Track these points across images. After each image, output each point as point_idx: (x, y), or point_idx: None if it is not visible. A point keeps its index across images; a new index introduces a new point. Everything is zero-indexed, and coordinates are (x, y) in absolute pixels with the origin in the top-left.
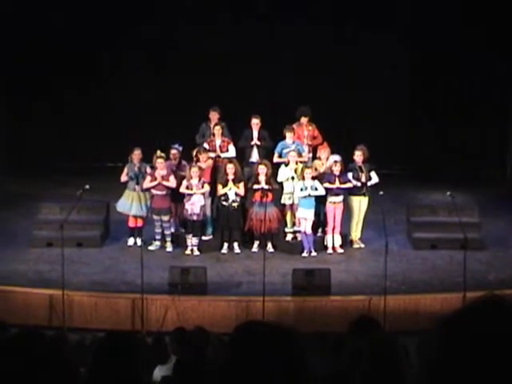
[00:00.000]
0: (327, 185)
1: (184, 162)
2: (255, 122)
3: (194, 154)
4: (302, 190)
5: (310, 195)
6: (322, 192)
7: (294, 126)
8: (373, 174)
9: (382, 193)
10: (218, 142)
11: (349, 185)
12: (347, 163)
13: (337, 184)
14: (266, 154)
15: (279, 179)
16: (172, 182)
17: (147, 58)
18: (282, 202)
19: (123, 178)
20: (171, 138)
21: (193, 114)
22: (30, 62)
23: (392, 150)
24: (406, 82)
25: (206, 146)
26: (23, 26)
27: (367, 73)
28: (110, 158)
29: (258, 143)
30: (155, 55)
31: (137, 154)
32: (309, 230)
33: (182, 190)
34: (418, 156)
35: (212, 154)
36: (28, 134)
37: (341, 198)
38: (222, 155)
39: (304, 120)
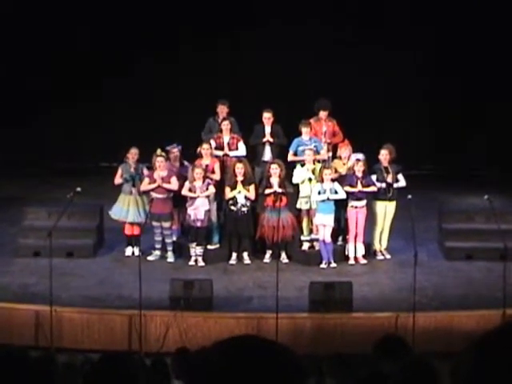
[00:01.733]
0: (348, 188)
1: (186, 163)
2: (267, 117)
3: (199, 151)
4: (319, 193)
5: (328, 199)
6: (342, 196)
7: (312, 120)
8: (400, 177)
9: (410, 197)
10: (226, 138)
11: (373, 188)
12: (371, 164)
13: (359, 187)
14: (280, 152)
15: (294, 181)
16: (174, 184)
17: (147, 52)
18: (298, 206)
19: (117, 180)
20: (173, 136)
21: (199, 108)
22: (21, 61)
23: (422, 149)
24: (438, 77)
25: (212, 142)
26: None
27: (394, 64)
28: (104, 158)
29: (271, 140)
30: (156, 50)
31: (133, 154)
32: (328, 239)
33: (184, 192)
34: (450, 155)
35: (219, 153)
36: (14, 132)
37: (364, 202)
38: (231, 154)
39: (323, 114)
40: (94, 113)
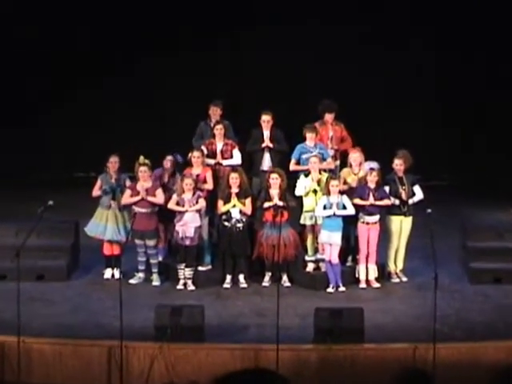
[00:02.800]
0: (358, 201)
1: (178, 175)
2: (266, 120)
3: (188, 158)
4: (325, 207)
5: (335, 214)
6: (350, 211)
7: (317, 124)
8: (416, 189)
9: (429, 211)
10: (219, 145)
11: (387, 201)
12: (385, 173)
13: (371, 200)
14: (281, 160)
15: (297, 193)
16: (159, 197)
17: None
18: (302, 222)
19: (95, 192)
20: (160, 143)
21: (189, 111)
22: None
23: (441, 157)
24: (459, 80)
25: (203, 149)
26: None
27: (408, 64)
28: (79, 167)
29: (270, 146)
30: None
31: (113, 162)
32: (335, 259)
33: (172, 206)
34: (474, 164)
35: (211, 161)
36: None
37: (376, 217)
38: (224, 162)
39: (329, 117)
40: (69, 116)
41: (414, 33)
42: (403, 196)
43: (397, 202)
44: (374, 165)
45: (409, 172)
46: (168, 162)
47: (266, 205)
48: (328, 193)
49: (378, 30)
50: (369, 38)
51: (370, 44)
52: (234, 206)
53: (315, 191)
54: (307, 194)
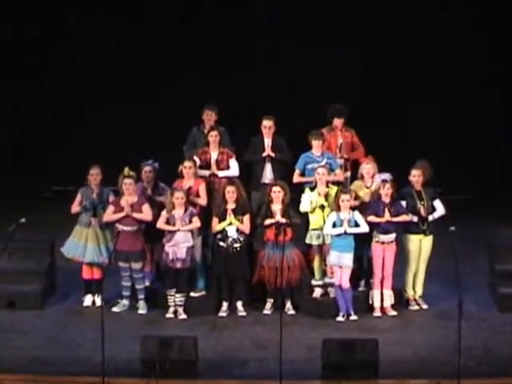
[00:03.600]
0: (372, 218)
1: (162, 185)
2: (268, 125)
3: (180, 170)
4: (335, 225)
5: (346, 233)
6: (364, 229)
7: (324, 130)
8: (437, 203)
9: (453, 228)
10: (213, 154)
11: (404, 217)
12: (401, 186)
13: (387, 216)
14: (284, 171)
15: (302, 209)
16: (146, 214)
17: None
18: (307, 241)
19: (74, 208)
20: (148, 153)
21: (180, 117)
22: None
23: (464, 168)
24: (479, 83)
25: (196, 159)
26: None
27: (425, 66)
28: (56, 180)
29: (272, 155)
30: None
31: (94, 175)
32: (346, 283)
33: (161, 226)
34: (501, 177)
35: (205, 173)
36: None
37: (392, 236)
38: (220, 174)
39: (338, 122)
40: (45, 122)
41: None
42: (422, 212)
43: (415, 218)
44: (386, 176)
45: (428, 185)
46: (147, 173)
47: (267, 222)
48: (338, 208)
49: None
50: (379, 35)
51: (381, 41)
52: (231, 223)
53: (322, 207)
54: (313, 209)
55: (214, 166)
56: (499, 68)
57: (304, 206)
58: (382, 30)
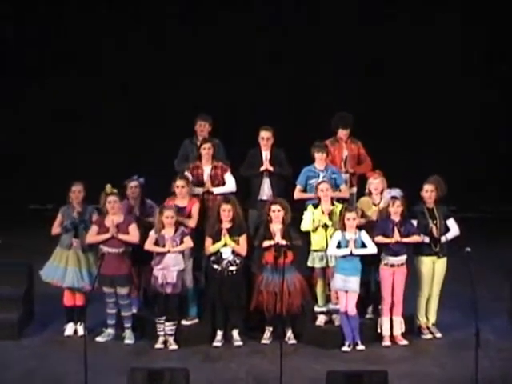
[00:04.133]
0: (381, 238)
1: (150, 202)
2: (266, 137)
3: (173, 189)
4: (340, 245)
5: (352, 254)
6: (372, 250)
7: (328, 142)
8: (451, 222)
9: (468, 249)
10: (206, 168)
11: (415, 238)
12: (412, 204)
13: (396, 237)
14: (283, 187)
15: (304, 228)
16: (133, 235)
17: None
18: (310, 264)
19: (55, 229)
20: (134, 169)
21: (171, 127)
22: None
23: (480, 184)
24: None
25: (187, 174)
26: None
27: (436, 67)
28: (34, 198)
29: (271, 169)
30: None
31: (76, 192)
32: (353, 310)
33: (149, 247)
34: None
35: (199, 190)
36: None
37: (403, 258)
38: (215, 190)
39: (343, 133)
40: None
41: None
42: (434, 232)
43: (427, 239)
44: (396, 192)
45: (441, 202)
46: (133, 188)
47: (266, 244)
48: (343, 228)
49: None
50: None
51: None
52: (226, 244)
53: (326, 226)
54: (316, 229)
55: (208, 183)
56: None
57: (305, 225)
58: (382, 31)
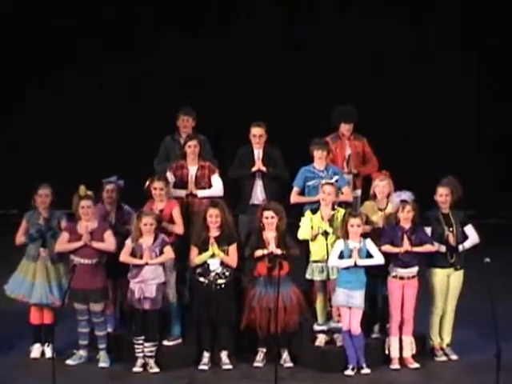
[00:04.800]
0: (388, 247)
1: (126, 207)
2: (258, 134)
3: (147, 185)
4: (342, 255)
5: (356, 265)
6: (379, 260)
7: (328, 139)
8: (469, 229)
9: (487, 260)
10: (192, 169)
11: (428, 248)
12: (424, 209)
13: (405, 246)
14: (278, 189)
15: (301, 236)
16: (109, 242)
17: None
18: (308, 276)
19: (19, 238)
20: (107, 170)
21: (149, 124)
22: None
23: (502, 185)
24: None
25: (169, 176)
26: None
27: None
28: None
29: (263, 169)
30: None
31: (43, 196)
32: (357, 329)
33: (125, 258)
34: None
35: (181, 192)
36: None
37: (414, 270)
38: (200, 193)
39: (345, 129)
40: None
41: None
42: (451, 240)
43: (443, 248)
44: (406, 196)
45: (456, 207)
46: (109, 192)
47: (259, 253)
48: (346, 235)
49: None
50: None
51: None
52: (214, 255)
53: (326, 233)
54: (315, 237)
55: (191, 184)
56: None
57: (303, 233)
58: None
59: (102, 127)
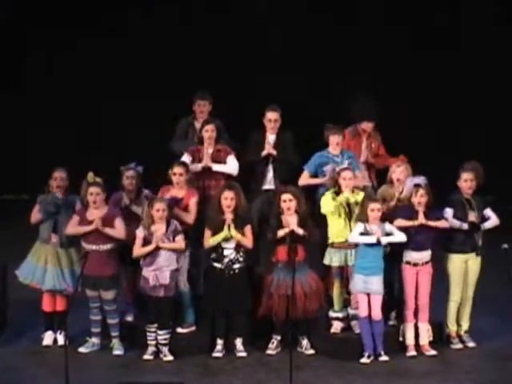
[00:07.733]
0: (402, 221)
1: (146, 192)
2: (273, 119)
3: (168, 175)
4: (363, 234)
5: (379, 243)
6: (400, 237)
7: (347, 132)
8: (489, 212)
9: (506, 246)
10: (208, 151)
11: (442, 223)
12: (447, 193)
13: (421, 219)
14: (288, 174)
15: (325, 209)
16: (119, 229)
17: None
18: (326, 262)
19: (34, 216)
20: (120, 154)
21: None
22: None
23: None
24: None
25: (186, 158)
26: None
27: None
28: (7, 186)
29: (274, 153)
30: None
31: (58, 179)
32: (378, 314)
33: (137, 252)
34: None
35: (196, 166)
36: None
37: (427, 254)
38: (215, 167)
39: (368, 127)
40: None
41: None
42: (473, 218)
43: (465, 226)
44: (420, 180)
45: (479, 192)
46: (129, 179)
47: (281, 233)
48: (365, 219)
49: None
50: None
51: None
52: (228, 238)
53: (349, 206)
54: (339, 210)
55: (207, 158)
56: None
57: (327, 206)
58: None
59: (113, 112)
